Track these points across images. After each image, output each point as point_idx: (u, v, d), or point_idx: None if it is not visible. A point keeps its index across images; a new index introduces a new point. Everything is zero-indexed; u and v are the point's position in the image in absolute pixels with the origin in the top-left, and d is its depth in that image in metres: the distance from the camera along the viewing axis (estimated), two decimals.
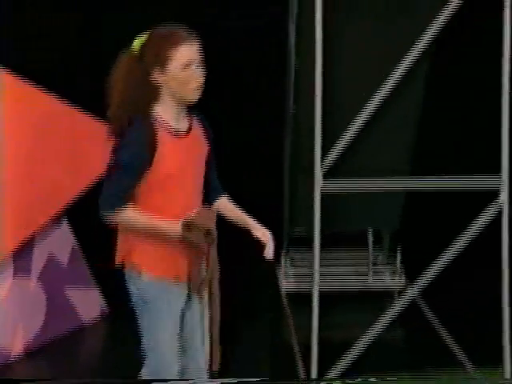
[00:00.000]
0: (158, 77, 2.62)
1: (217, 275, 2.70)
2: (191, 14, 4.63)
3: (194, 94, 2.64)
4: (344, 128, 3.47)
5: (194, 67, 2.61)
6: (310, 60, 3.45)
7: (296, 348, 3.88)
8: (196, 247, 2.60)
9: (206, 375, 2.83)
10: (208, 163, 2.78)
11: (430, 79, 3.78)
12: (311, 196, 3.62)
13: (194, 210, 2.62)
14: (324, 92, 3.41)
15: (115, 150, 2.62)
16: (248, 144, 5.21)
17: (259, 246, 4.59)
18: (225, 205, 2.82)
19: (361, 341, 3.57)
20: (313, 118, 3.42)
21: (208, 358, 2.79)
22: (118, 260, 2.72)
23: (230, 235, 2.89)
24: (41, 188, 3.79)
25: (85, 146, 3.87)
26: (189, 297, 2.76)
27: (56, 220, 3.97)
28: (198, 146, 2.72)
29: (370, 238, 4.39)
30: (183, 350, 2.79)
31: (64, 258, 4.04)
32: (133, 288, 2.71)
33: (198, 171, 2.74)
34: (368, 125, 3.50)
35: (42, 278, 3.91)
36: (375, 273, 4.46)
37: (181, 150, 2.65)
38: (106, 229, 2.70)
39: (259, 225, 2.74)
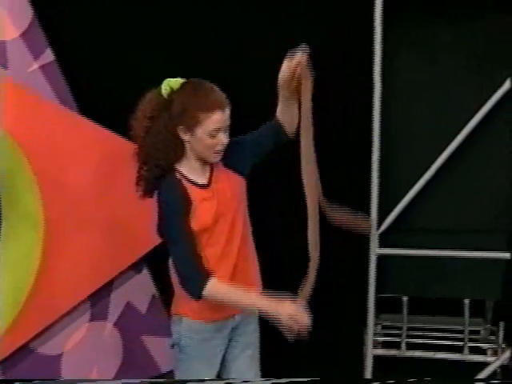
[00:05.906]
0: (183, 134, 2.55)
1: None
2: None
3: (216, 156, 2.58)
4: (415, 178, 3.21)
5: (221, 133, 2.53)
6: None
7: None
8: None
9: None
10: (253, 151, 2.70)
11: None
12: (399, 257, 3.39)
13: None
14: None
15: (160, 223, 2.59)
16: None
17: (347, 309, 4.33)
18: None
19: None
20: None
21: None
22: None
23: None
24: (121, 232, 3.83)
25: None
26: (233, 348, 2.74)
27: (135, 267, 4.00)
28: (229, 188, 2.63)
29: (467, 307, 3.99)
30: None
31: (143, 305, 4.06)
32: (174, 333, 2.74)
33: (237, 214, 2.63)
34: (442, 174, 3.22)
35: (118, 324, 3.95)
36: (472, 346, 4.04)
37: (210, 200, 2.58)
38: None
39: None
